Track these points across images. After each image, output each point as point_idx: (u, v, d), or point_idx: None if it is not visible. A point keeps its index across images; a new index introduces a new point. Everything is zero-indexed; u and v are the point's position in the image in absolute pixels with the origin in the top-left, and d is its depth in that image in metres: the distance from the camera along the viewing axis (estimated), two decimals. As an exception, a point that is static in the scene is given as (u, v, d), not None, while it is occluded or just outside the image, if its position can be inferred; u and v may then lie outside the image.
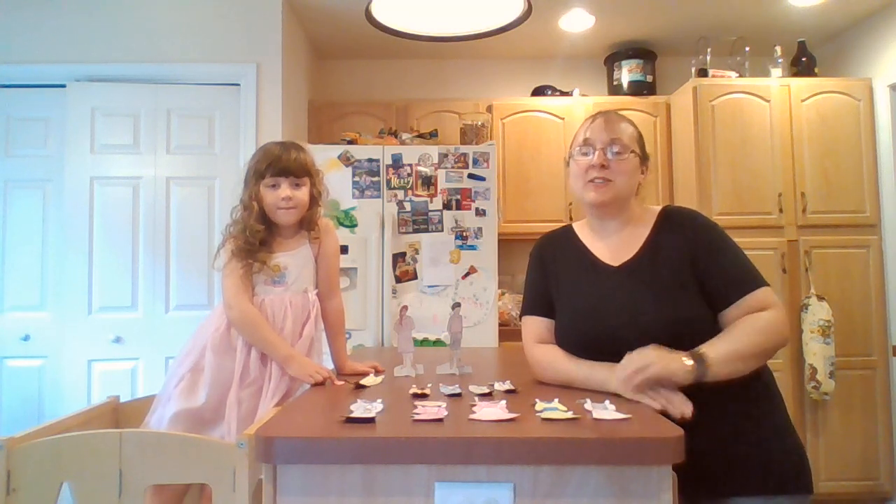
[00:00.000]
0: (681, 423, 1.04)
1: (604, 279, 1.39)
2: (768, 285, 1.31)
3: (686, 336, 1.25)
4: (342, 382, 1.50)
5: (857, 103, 3.48)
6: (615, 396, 1.21)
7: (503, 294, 3.64)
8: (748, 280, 1.30)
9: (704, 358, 1.19)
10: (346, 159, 3.14)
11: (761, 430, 1.28)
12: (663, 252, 1.35)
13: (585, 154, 1.40)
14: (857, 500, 3.31)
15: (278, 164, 1.65)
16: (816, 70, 3.68)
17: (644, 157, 1.44)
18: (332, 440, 0.95)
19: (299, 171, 1.68)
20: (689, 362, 1.18)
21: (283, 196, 1.65)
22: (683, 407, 1.15)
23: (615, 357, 1.28)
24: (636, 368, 1.19)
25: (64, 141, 3.13)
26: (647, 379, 1.17)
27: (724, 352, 1.21)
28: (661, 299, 1.30)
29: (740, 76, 3.59)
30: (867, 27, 3.61)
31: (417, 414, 1.07)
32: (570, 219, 3.55)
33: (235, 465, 1.21)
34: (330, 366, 1.72)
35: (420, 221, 3.13)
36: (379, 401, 1.16)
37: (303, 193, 1.68)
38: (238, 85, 3.20)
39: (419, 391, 1.28)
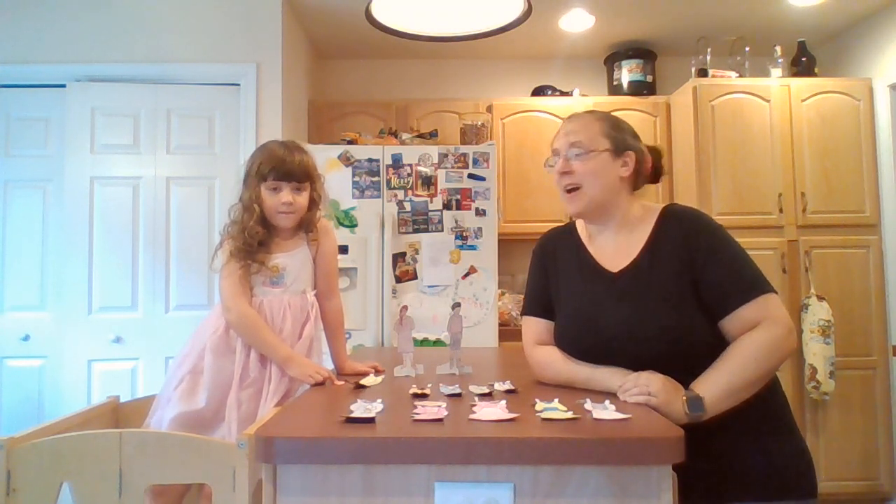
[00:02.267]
0: (682, 425, 1.04)
1: (600, 287, 1.35)
2: (773, 291, 1.25)
3: (684, 347, 1.24)
4: (342, 382, 1.50)
5: (857, 103, 3.47)
6: (615, 396, 1.21)
7: (503, 294, 3.64)
8: (745, 289, 1.24)
9: (702, 404, 1.17)
10: (346, 159, 3.14)
11: (764, 432, 1.26)
12: (662, 258, 1.31)
13: (553, 165, 1.40)
14: (857, 500, 3.31)
15: (282, 167, 1.64)
16: (816, 70, 3.68)
17: (620, 149, 1.36)
18: (332, 440, 0.95)
19: (301, 176, 1.67)
20: (687, 411, 1.16)
21: (283, 201, 1.64)
22: None
23: (611, 363, 1.28)
24: (640, 391, 1.18)
25: (64, 141, 3.12)
26: (645, 403, 1.17)
27: (719, 392, 1.18)
28: (658, 311, 1.26)
29: (740, 76, 3.59)
30: (867, 27, 3.61)
31: (417, 414, 1.07)
32: (570, 218, 3.55)
33: (235, 465, 1.21)
34: (330, 366, 1.72)
35: (420, 221, 3.13)
36: (379, 401, 1.16)
37: (303, 198, 1.68)
38: (238, 85, 3.20)
39: (419, 391, 1.28)
